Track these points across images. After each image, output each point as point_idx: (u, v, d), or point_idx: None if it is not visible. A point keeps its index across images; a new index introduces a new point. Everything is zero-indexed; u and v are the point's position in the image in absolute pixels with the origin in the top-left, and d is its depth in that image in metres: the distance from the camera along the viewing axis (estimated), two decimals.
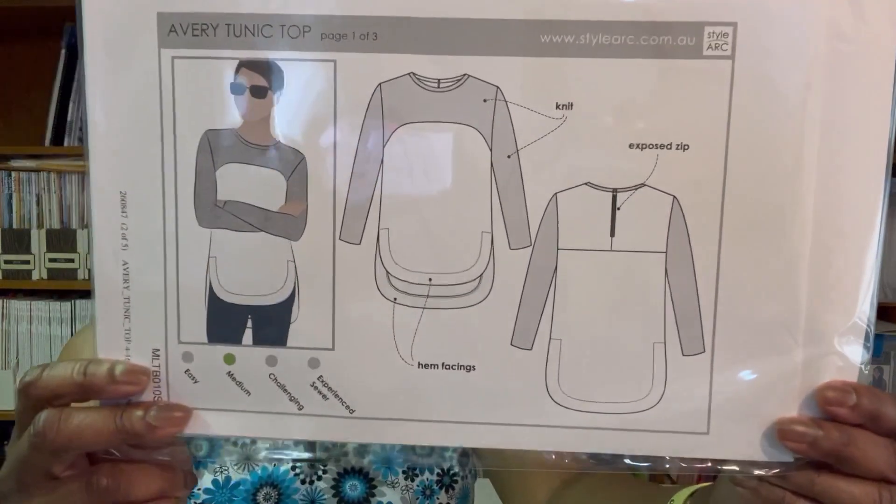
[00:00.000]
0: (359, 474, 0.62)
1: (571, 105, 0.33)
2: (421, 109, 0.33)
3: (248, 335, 0.36)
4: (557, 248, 0.34)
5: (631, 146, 0.33)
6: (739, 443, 0.35)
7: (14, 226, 1.80)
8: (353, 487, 0.61)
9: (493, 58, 0.32)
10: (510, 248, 0.34)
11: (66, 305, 1.78)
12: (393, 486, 0.61)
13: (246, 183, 0.34)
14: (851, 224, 0.33)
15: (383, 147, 0.34)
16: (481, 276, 0.35)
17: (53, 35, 1.80)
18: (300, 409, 0.36)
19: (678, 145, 0.32)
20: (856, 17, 0.31)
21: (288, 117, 0.34)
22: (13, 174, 1.79)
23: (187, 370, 0.37)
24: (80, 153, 1.84)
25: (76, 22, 0.34)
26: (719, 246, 0.33)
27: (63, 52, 1.77)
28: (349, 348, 0.36)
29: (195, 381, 0.37)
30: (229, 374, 0.36)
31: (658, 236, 0.34)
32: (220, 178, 0.35)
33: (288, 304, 0.36)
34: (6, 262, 1.78)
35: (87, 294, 1.85)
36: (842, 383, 0.34)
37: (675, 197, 0.33)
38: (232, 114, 0.34)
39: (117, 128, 0.35)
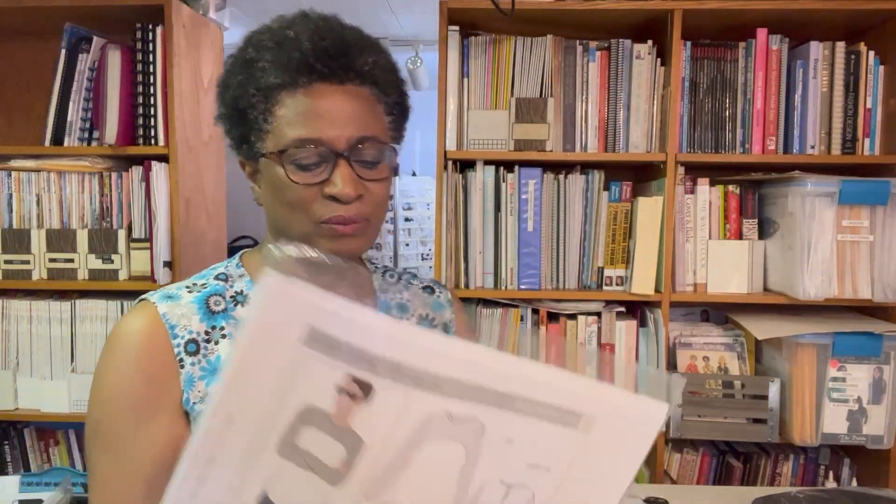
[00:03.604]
0: None
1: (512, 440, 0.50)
2: (443, 432, 0.49)
3: None
4: None
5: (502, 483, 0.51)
6: None
7: (14, 226, 1.80)
8: None
9: (494, 408, 0.49)
10: None
11: (66, 305, 1.78)
12: None
13: (319, 443, 0.49)
14: None
15: (413, 452, 0.50)
16: None
17: (53, 35, 1.80)
18: None
19: (545, 468, 0.51)
20: (629, 427, 0.50)
21: (366, 417, 0.48)
22: (13, 174, 1.79)
23: None
24: (80, 153, 1.86)
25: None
26: None
27: (63, 52, 1.77)
28: None
29: None
30: None
31: None
32: (304, 433, 0.49)
33: None
34: (6, 262, 1.78)
35: (86, 294, 1.86)
36: None
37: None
38: (329, 402, 0.48)
39: (251, 373, 0.48)
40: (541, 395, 0.49)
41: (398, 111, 0.84)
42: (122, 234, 1.77)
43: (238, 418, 0.49)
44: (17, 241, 1.78)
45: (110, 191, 1.79)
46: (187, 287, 0.83)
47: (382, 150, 0.78)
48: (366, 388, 0.48)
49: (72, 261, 1.78)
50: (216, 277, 0.85)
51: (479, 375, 0.48)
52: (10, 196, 1.80)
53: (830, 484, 1.75)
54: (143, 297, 0.81)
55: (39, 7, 1.76)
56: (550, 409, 0.49)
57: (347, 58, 0.77)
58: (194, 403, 0.76)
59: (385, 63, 0.81)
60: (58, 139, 1.78)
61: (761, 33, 1.71)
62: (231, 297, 0.83)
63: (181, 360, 0.77)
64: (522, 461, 0.51)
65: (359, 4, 3.42)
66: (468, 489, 0.50)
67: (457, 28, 1.72)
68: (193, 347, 0.78)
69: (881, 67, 1.71)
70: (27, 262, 1.78)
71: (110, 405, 0.75)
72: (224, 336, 0.81)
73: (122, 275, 1.78)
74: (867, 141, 1.72)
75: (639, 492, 1.48)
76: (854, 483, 1.77)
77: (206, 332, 0.79)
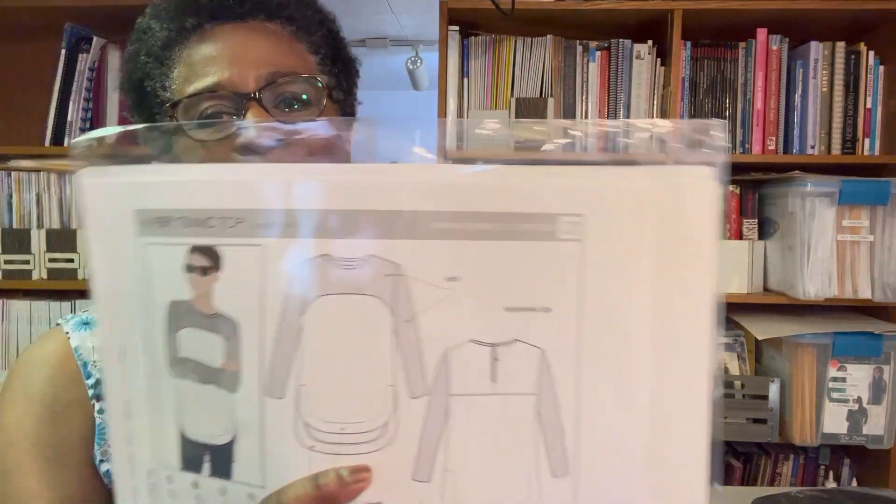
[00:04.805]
0: None
1: (457, 278, 0.39)
2: (333, 283, 0.39)
3: (206, 467, 0.43)
4: (448, 395, 0.40)
5: (506, 309, 0.39)
6: None
7: (14, 226, 1.80)
8: None
9: (394, 241, 0.39)
10: (410, 398, 0.40)
11: (66, 305, 1.78)
12: None
13: (197, 344, 0.41)
14: (686, 361, 0.40)
15: (302, 316, 0.39)
16: (387, 423, 0.40)
17: (53, 35, 1.80)
18: None
19: (542, 308, 0.39)
20: (676, 206, 0.39)
21: (225, 291, 0.40)
22: (13, 174, 1.79)
23: (170, 490, 0.44)
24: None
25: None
26: (578, 388, 0.40)
27: (63, 52, 1.77)
28: (276, 488, 0.41)
29: (175, 499, 0.44)
30: (196, 497, 0.43)
31: (529, 381, 0.40)
32: (180, 339, 0.42)
33: (230, 445, 0.42)
34: (6, 262, 1.78)
35: (86, 294, 1.85)
36: None
37: (542, 350, 0.40)
38: (186, 288, 0.41)
39: (114, 297, 0.44)
40: (469, 203, 0.39)
41: (329, 53, 0.68)
42: None
43: (128, 349, 0.43)
44: (17, 241, 1.78)
45: None
46: None
47: (310, 88, 0.63)
48: (212, 256, 0.40)
49: (72, 261, 1.78)
50: None
51: (354, 197, 0.38)
52: (10, 196, 1.80)
53: (830, 484, 1.75)
54: (58, 321, 0.68)
55: (39, 7, 1.76)
56: (494, 221, 0.39)
57: None
58: (101, 461, 0.63)
59: None
60: (58, 139, 1.78)
61: (761, 33, 1.71)
62: None
63: (94, 405, 0.63)
64: (493, 305, 0.39)
65: (359, 4, 3.42)
66: (419, 361, 0.40)
67: (457, 28, 1.72)
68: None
69: (881, 67, 1.71)
70: (27, 262, 1.78)
71: (8, 450, 0.62)
72: None
73: None
74: (867, 141, 1.72)
75: None
76: (854, 483, 1.77)
77: None
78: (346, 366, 0.40)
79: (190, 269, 0.40)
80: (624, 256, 0.39)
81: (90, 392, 0.63)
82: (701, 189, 0.39)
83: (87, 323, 0.66)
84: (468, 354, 0.40)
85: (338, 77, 0.68)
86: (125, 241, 0.42)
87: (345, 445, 0.40)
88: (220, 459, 0.42)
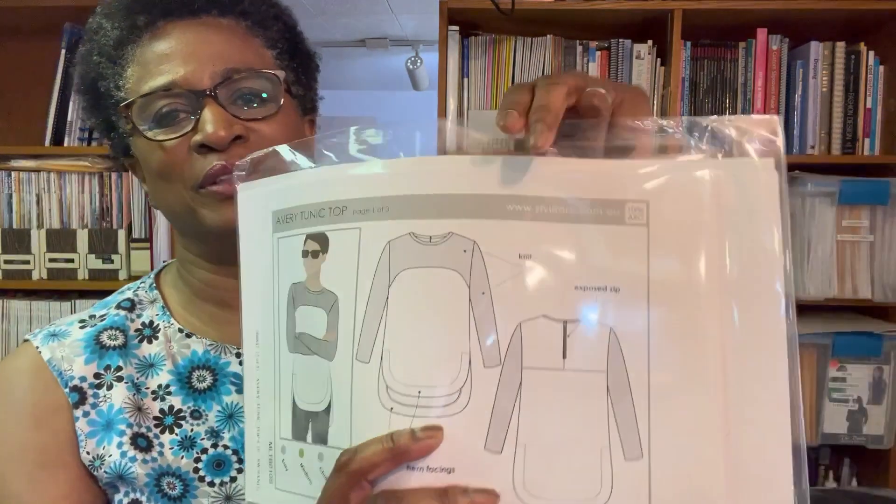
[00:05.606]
0: None
1: (530, 256, 0.41)
2: (417, 258, 0.43)
3: (309, 435, 0.47)
4: (521, 367, 0.41)
5: (576, 288, 0.41)
6: None
7: (14, 226, 1.80)
8: None
9: (472, 220, 0.42)
10: (484, 367, 0.41)
11: (66, 305, 1.78)
12: None
13: (308, 319, 0.46)
14: (762, 336, 0.40)
15: (389, 287, 0.43)
16: (460, 389, 0.42)
17: (53, 35, 1.80)
18: None
19: (611, 288, 0.41)
20: (738, 188, 0.41)
21: (330, 270, 0.46)
22: (13, 174, 1.79)
23: (283, 459, 0.48)
24: (80, 153, 1.86)
25: None
26: (649, 367, 0.41)
27: (63, 52, 1.77)
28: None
29: (286, 469, 0.48)
30: (301, 465, 0.47)
31: (600, 359, 0.41)
32: (297, 316, 0.47)
33: (327, 411, 0.45)
34: (6, 262, 1.78)
35: (86, 294, 1.85)
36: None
37: (611, 328, 0.41)
38: (302, 270, 0.47)
39: (255, 287, 0.50)
40: (542, 188, 0.42)
41: (287, 48, 0.66)
42: (122, 234, 1.77)
43: (260, 332, 0.50)
44: (17, 241, 1.78)
45: (110, 191, 1.79)
46: (81, 321, 0.67)
47: (267, 83, 0.61)
48: (322, 241, 0.46)
49: (72, 261, 1.78)
50: (119, 306, 0.68)
51: (438, 183, 0.43)
52: (10, 196, 1.80)
53: (830, 484, 1.76)
54: (26, 336, 0.66)
55: (39, 7, 1.76)
56: (564, 205, 0.41)
57: None
58: (90, 464, 0.62)
59: None
60: (58, 139, 1.78)
61: (761, 33, 1.71)
62: (136, 330, 0.66)
63: (73, 413, 0.62)
64: (563, 282, 0.41)
65: (359, 4, 3.42)
66: (493, 332, 0.42)
67: (457, 28, 1.72)
68: (76, 397, 0.62)
69: (881, 67, 1.71)
70: (27, 262, 1.78)
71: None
72: (121, 379, 0.63)
73: (122, 275, 1.78)
74: (867, 141, 1.72)
75: None
76: (854, 483, 1.77)
77: (96, 376, 0.63)
78: (425, 333, 0.43)
79: (305, 253, 0.46)
80: (689, 242, 0.41)
81: (70, 398, 0.62)
82: (763, 178, 0.41)
83: (55, 335, 0.65)
84: (540, 329, 0.41)
85: (296, 72, 0.67)
86: (265, 238, 0.49)
87: (421, 409, 0.42)
88: (319, 425, 0.46)
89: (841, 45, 1.70)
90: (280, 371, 0.48)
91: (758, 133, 0.42)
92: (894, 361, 1.65)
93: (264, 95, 0.61)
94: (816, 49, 1.70)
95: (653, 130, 0.43)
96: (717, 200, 0.41)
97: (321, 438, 0.46)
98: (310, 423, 0.46)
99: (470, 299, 0.42)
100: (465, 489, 0.40)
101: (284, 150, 0.50)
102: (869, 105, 1.71)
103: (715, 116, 0.42)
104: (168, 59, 0.59)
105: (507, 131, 0.41)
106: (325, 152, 0.48)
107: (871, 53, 1.70)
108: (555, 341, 0.41)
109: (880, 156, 1.71)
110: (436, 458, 0.41)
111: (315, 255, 0.46)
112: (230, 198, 0.55)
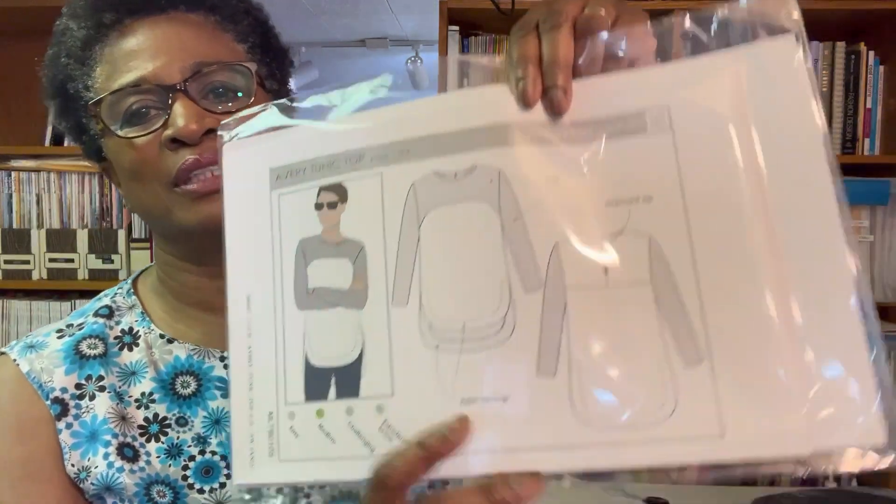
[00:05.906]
0: (348, 498, 0.60)
1: (556, 178, 0.41)
2: (444, 196, 0.43)
3: (332, 392, 0.45)
4: (564, 288, 0.40)
5: (608, 203, 0.41)
6: (755, 440, 0.37)
7: (14, 226, 1.80)
8: None
9: (494, 149, 0.42)
10: (525, 292, 0.41)
11: (66, 305, 1.78)
12: None
13: (326, 271, 0.46)
14: (811, 208, 0.38)
15: (419, 228, 0.43)
16: (504, 317, 0.41)
17: None
18: (372, 451, 0.43)
19: (643, 198, 0.40)
20: (761, 73, 0.39)
21: (352, 219, 0.45)
22: (13, 174, 1.79)
23: (291, 427, 0.45)
24: (80, 153, 1.85)
25: None
26: (695, 268, 0.39)
27: None
28: (404, 393, 0.43)
29: (296, 436, 0.45)
30: (320, 426, 0.45)
31: (643, 270, 0.40)
32: (310, 271, 0.46)
33: (358, 361, 0.44)
34: (6, 262, 1.78)
35: (86, 294, 1.86)
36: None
37: (649, 237, 0.40)
38: (316, 224, 0.46)
39: (245, 250, 0.48)
40: (545, 113, 0.42)
41: (259, 42, 0.65)
42: (122, 234, 1.78)
43: (253, 296, 0.48)
44: (17, 241, 1.78)
45: (110, 191, 1.79)
46: (59, 330, 0.65)
47: (238, 76, 0.61)
48: (340, 191, 0.46)
49: (72, 261, 1.78)
50: (97, 314, 0.66)
51: (457, 119, 0.43)
52: (10, 196, 1.80)
53: (830, 484, 1.75)
54: (2, 349, 0.64)
55: (39, 7, 1.76)
56: (584, 125, 0.41)
57: None
58: (74, 477, 0.60)
59: None
60: (58, 139, 1.78)
61: None
62: (116, 337, 0.65)
63: (56, 425, 0.61)
64: (594, 200, 0.41)
65: (359, 4, 3.42)
66: (530, 256, 0.41)
67: (457, 28, 1.72)
68: (58, 409, 0.61)
69: (881, 67, 1.71)
70: (27, 262, 1.78)
71: None
72: (103, 388, 0.62)
73: (122, 275, 1.78)
74: (867, 141, 1.72)
75: (639, 492, 1.48)
76: (854, 483, 1.77)
77: (77, 386, 0.62)
78: (462, 267, 0.43)
79: (319, 206, 0.46)
80: (719, 137, 0.39)
81: (52, 410, 0.61)
82: (785, 54, 0.39)
83: (32, 346, 0.63)
84: (577, 248, 0.41)
85: (270, 66, 0.66)
86: (261, 196, 0.47)
87: (467, 342, 0.42)
88: (347, 379, 0.44)
89: (841, 45, 1.70)
90: (284, 332, 0.47)
91: (771, 11, 0.39)
92: (894, 361, 1.65)
93: (237, 89, 0.60)
94: (816, 49, 1.70)
95: (658, 36, 0.43)
96: (742, 90, 0.39)
97: (351, 391, 0.44)
98: (332, 379, 0.45)
99: (503, 227, 0.42)
100: (505, 477, 0.39)
101: (278, 106, 0.49)
102: (869, 105, 1.71)
103: (724, 3, 0.40)
104: (136, 55, 0.59)
105: (527, 104, 0.41)
106: (323, 105, 0.47)
107: (871, 53, 1.70)
108: (594, 259, 0.40)
109: (880, 156, 1.71)
110: (489, 387, 0.41)
111: (332, 206, 0.46)
112: (205, 196, 0.56)
